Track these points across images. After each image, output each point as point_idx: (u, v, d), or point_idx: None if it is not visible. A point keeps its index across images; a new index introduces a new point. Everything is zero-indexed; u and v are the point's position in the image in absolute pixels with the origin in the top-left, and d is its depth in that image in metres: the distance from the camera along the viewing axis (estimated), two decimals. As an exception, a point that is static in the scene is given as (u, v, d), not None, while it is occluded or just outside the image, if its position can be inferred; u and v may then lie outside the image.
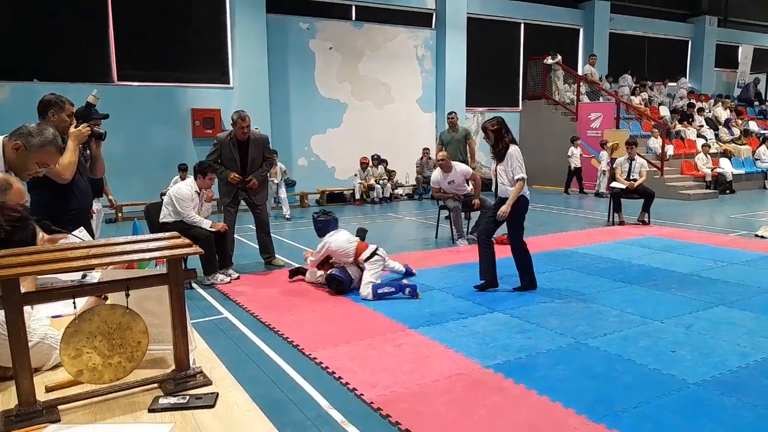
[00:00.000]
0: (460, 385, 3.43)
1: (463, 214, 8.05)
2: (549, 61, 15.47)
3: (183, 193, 5.72)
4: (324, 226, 5.65)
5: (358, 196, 12.70)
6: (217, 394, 1.62)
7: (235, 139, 6.22)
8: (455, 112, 9.74)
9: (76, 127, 3.57)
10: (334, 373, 3.60)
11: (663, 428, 2.90)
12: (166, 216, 5.76)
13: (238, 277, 5.95)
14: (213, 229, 5.75)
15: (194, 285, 5.73)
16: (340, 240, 5.47)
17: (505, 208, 5.29)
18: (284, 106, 12.69)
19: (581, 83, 15.19)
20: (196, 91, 11.73)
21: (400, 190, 13.71)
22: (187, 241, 1.68)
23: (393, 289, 5.20)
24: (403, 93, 14.24)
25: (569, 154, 13.70)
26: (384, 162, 13.30)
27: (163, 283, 1.65)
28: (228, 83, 12.07)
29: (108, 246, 1.62)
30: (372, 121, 13.83)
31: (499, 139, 5.38)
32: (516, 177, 5.27)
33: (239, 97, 11.98)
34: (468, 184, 7.95)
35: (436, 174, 7.91)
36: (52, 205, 3.44)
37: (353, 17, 13.53)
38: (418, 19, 14.38)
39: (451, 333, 4.30)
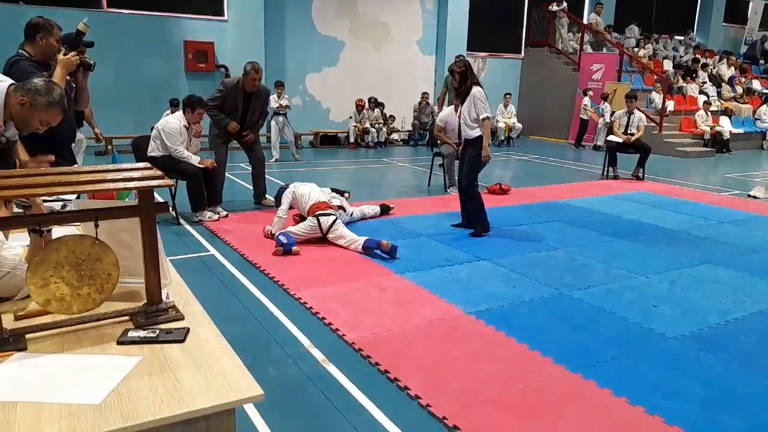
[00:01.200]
0: (441, 329, 3.46)
1: (456, 162, 7.98)
2: (554, 7, 15.03)
3: (171, 127, 5.60)
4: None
5: (352, 140, 12.52)
6: (188, 329, 1.59)
7: (242, 89, 6.10)
8: (462, 56, 9.50)
9: (65, 55, 3.44)
10: (318, 313, 3.61)
11: (638, 380, 2.93)
12: (153, 150, 5.66)
13: (226, 215, 5.91)
14: (201, 166, 5.66)
15: (182, 221, 5.69)
16: (304, 189, 5.33)
17: (485, 152, 5.42)
18: (279, 42, 12.35)
19: (585, 32, 14.81)
20: (190, 23, 11.37)
21: (395, 135, 13.54)
22: (158, 172, 1.62)
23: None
24: (403, 34, 13.86)
25: (585, 104, 13.38)
26: (381, 105, 13.06)
27: (133, 215, 1.59)
28: (222, 15, 11.69)
29: (74, 174, 1.56)
30: (369, 62, 13.51)
31: (463, 81, 5.49)
32: (482, 116, 5.37)
33: (234, 31, 11.65)
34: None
35: (447, 111, 7.77)
36: (41, 136, 3.36)
37: (355, -49, 13.01)
38: (422, -44, 13.85)
39: (435, 279, 4.31)
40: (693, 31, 18.87)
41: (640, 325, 3.60)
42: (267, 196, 6.63)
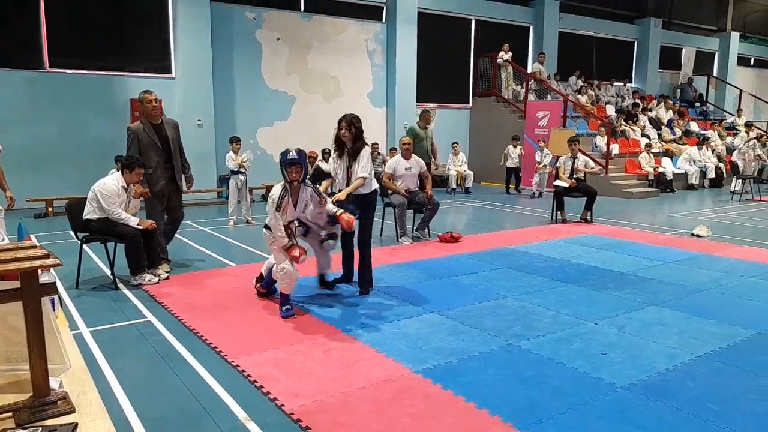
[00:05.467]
0: (387, 392, 3.31)
1: (409, 211, 7.97)
2: (503, 56, 15.48)
3: (108, 188, 5.41)
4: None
5: (305, 192, 12.42)
6: (76, 424, 1.43)
7: (148, 122, 5.97)
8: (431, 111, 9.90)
9: None
10: (256, 381, 3.42)
11: (587, 436, 2.84)
12: (90, 212, 5.44)
13: (167, 277, 5.68)
14: (141, 227, 5.46)
15: (120, 286, 5.44)
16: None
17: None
18: (229, 98, 12.35)
19: (530, 81, 15.32)
20: (136, 81, 11.25)
21: (349, 186, 13.51)
22: (43, 251, 1.49)
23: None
24: (353, 87, 14.06)
25: (505, 152, 13.61)
26: (334, 157, 13.08)
27: (15, 299, 1.45)
28: (170, 73, 11.63)
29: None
30: (321, 115, 13.59)
31: (358, 137, 5.13)
32: (362, 175, 5.05)
33: (182, 88, 11.59)
34: (419, 180, 7.90)
35: (395, 159, 7.81)
36: None
37: (302, 8, 13.25)
38: (368, 12, 14.22)
39: (383, 336, 4.18)
40: (631, 79, 19.76)
41: (589, 375, 3.54)
42: (169, 258, 6.07)
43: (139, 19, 11.43)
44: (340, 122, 5.13)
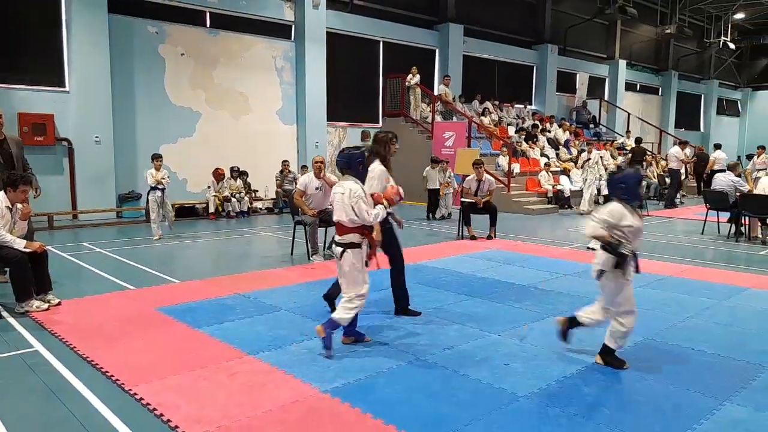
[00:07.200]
0: (294, 414, 3.25)
1: (320, 230, 7.91)
2: (410, 79, 15.81)
3: (-10, 209, 5.01)
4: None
5: (212, 210, 12.10)
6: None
7: None
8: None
9: None
10: (156, 410, 3.25)
11: (490, 445, 2.92)
12: (-31, 235, 5.00)
13: (58, 303, 5.29)
14: (28, 250, 5.08)
15: (4, 314, 5.01)
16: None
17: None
18: (129, 113, 11.83)
19: (436, 103, 15.78)
20: (25, 94, 10.55)
21: (258, 204, 13.30)
22: None
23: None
24: (262, 104, 13.90)
25: (424, 174, 12.92)
26: (244, 174, 12.85)
27: None
28: (63, 86, 10.99)
29: None
30: (228, 132, 13.33)
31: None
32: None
33: (77, 102, 10.99)
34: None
35: (308, 177, 7.73)
36: None
37: (208, 24, 12.98)
38: (277, 30, 14.15)
39: (292, 357, 4.11)
40: (531, 101, 20.86)
41: (493, 386, 3.65)
42: (50, 294, 5.36)
43: (28, 27, 10.73)
44: (393, 138, 4.93)
